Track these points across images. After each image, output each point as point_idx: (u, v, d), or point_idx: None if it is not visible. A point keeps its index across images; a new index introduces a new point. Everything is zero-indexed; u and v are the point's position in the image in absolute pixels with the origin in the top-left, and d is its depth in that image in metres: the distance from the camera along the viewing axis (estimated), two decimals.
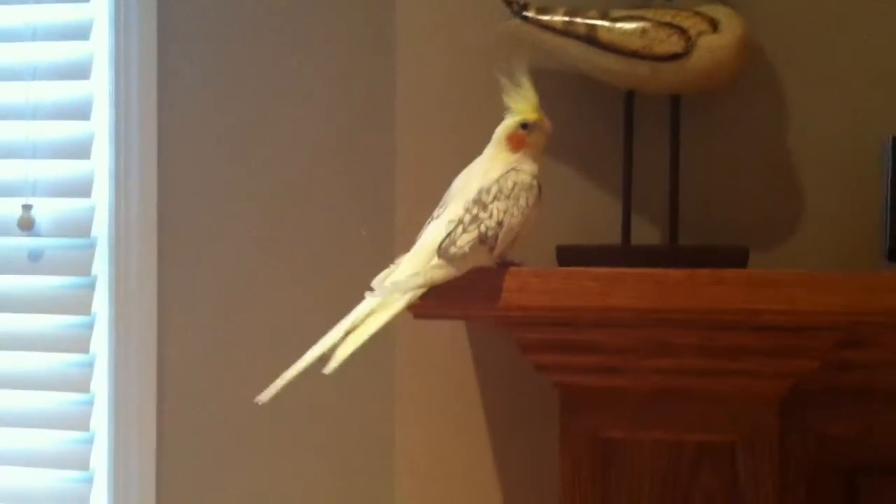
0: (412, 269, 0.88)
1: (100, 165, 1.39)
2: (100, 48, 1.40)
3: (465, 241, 0.87)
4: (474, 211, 0.89)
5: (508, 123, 0.95)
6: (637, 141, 1.08)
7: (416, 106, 1.17)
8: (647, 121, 1.09)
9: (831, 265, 1.07)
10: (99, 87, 1.39)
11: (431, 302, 0.88)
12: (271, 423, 1.33)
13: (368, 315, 0.87)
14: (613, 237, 1.08)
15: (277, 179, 1.34)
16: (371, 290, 0.88)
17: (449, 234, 0.88)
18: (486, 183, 0.91)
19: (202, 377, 1.36)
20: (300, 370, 0.86)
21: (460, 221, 0.88)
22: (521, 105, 0.94)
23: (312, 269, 1.33)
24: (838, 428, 1.00)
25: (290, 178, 1.34)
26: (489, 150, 0.95)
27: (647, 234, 1.12)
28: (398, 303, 0.86)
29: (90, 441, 1.40)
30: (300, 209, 1.33)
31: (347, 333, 0.86)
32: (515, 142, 0.93)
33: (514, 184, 0.91)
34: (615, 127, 1.09)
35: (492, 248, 0.88)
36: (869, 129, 1.07)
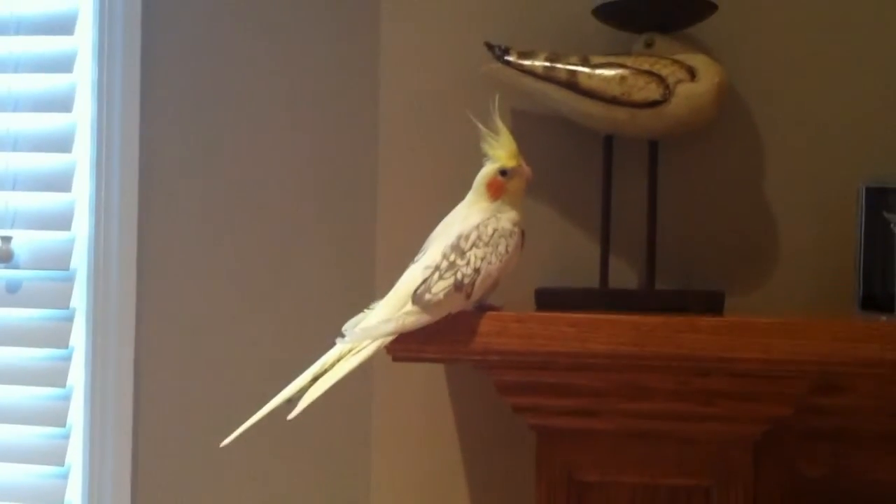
0: (385, 315, 0.88)
1: (80, 197, 1.39)
2: (82, 78, 1.40)
3: (440, 287, 0.88)
4: (452, 258, 0.89)
5: (488, 171, 0.95)
6: (615, 184, 1.09)
7: (398, 146, 1.18)
8: (626, 164, 1.11)
9: (806, 310, 1.08)
10: (81, 118, 1.40)
11: (411, 344, 0.89)
12: (248, 460, 1.33)
13: (338, 360, 0.87)
14: (592, 279, 1.09)
15: (259, 216, 1.35)
16: (342, 335, 0.88)
17: (425, 281, 0.88)
18: (465, 229, 0.91)
19: (178, 413, 1.36)
20: (264, 414, 0.87)
21: (437, 268, 0.89)
22: (500, 152, 0.95)
23: (291, 307, 1.34)
24: (814, 471, 1.01)
25: (271, 212, 1.35)
26: (470, 197, 0.96)
27: (625, 276, 1.13)
28: (367, 349, 0.87)
29: (65, 476, 1.39)
30: (281, 246, 1.34)
31: (315, 378, 0.86)
32: (495, 189, 0.94)
33: (494, 230, 0.92)
34: (594, 170, 1.11)
35: (468, 295, 0.89)
36: (844, 175, 1.09)
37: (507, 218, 0.93)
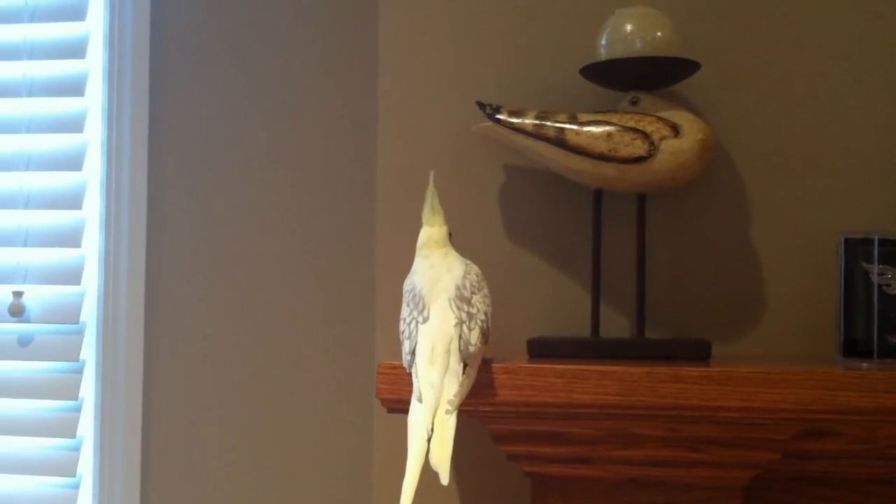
0: (448, 380, 0.90)
1: (90, 253, 1.43)
2: (92, 137, 1.45)
3: (475, 337, 0.91)
4: (465, 308, 0.93)
5: (444, 229, 1.00)
6: (605, 236, 1.12)
7: (395, 202, 1.22)
8: (615, 217, 1.14)
9: (791, 357, 1.10)
10: (91, 176, 1.44)
11: (404, 396, 0.92)
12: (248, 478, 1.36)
13: (433, 420, 0.89)
14: (583, 329, 1.12)
15: (263, 267, 1.39)
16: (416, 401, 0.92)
17: (461, 337, 0.91)
18: (457, 279, 0.95)
19: (186, 462, 1.39)
20: (411, 491, 0.89)
21: (461, 321, 0.92)
22: (438, 217, 1.00)
23: (297, 356, 1.38)
24: None
25: (275, 265, 1.39)
26: (438, 251, 0.99)
27: (615, 326, 1.16)
28: (452, 415, 0.89)
29: None
30: (287, 298, 1.38)
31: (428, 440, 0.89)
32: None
33: (477, 276, 0.96)
34: (584, 223, 1.14)
35: (487, 340, 0.93)
36: (825, 225, 1.12)
37: (475, 266, 0.98)
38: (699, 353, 1.04)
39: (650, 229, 1.12)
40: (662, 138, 1.04)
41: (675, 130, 1.05)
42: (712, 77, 1.13)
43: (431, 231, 0.99)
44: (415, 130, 1.21)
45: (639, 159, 1.04)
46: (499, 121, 1.10)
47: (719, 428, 0.94)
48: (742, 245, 1.15)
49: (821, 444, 1.00)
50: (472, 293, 0.94)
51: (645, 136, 1.05)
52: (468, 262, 0.97)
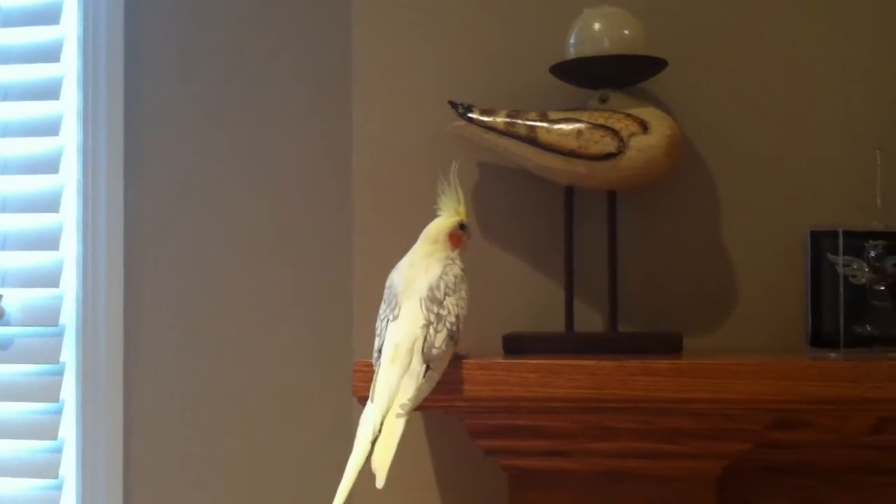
0: (405, 381, 0.91)
1: (68, 255, 1.44)
2: (69, 141, 1.45)
3: (441, 340, 0.93)
4: (435, 309, 0.94)
5: (449, 223, 1.01)
6: (577, 233, 1.13)
7: (371, 201, 1.22)
8: (587, 214, 1.15)
9: (762, 348, 1.12)
10: (68, 178, 1.45)
11: None
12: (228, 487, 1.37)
13: (383, 423, 0.90)
14: (558, 324, 1.14)
15: (241, 267, 1.40)
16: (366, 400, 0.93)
17: (426, 338, 0.92)
18: (432, 280, 0.96)
19: (168, 467, 1.40)
20: (344, 493, 0.89)
21: (429, 322, 0.93)
22: (460, 207, 1.01)
23: (277, 355, 1.39)
24: None
25: (253, 265, 1.40)
26: (425, 247, 1.00)
27: (589, 320, 1.17)
28: (402, 419, 0.90)
29: None
30: (265, 298, 1.39)
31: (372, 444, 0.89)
32: (456, 240, 1.00)
33: (455, 277, 0.97)
34: (557, 220, 1.14)
35: (456, 342, 0.95)
36: (793, 219, 1.13)
37: (458, 265, 0.99)
38: (671, 346, 1.05)
39: (621, 226, 1.13)
40: (631, 135, 1.05)
41: (644, 127, 1.06)
42: (680, 74, 1.14)
43: (436, 223, 1.01)
44: (389, 130, 1.22)
45: (608, 156, 1.05)
46: (471, 119, 1.11)
47: (692, 419, 0.95)
48: (712, 240, 1.16)
49: (792, 435, 1.01)
50: (446, 295, 0.95)
51: (614, 132, 1.06)
52: (452, 262, 0.98)
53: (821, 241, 1.04)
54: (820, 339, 1.04)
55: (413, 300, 0.95)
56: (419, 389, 0.91)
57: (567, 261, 1.12)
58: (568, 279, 1.12)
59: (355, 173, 1.23)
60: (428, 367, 0.92)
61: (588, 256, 1.15)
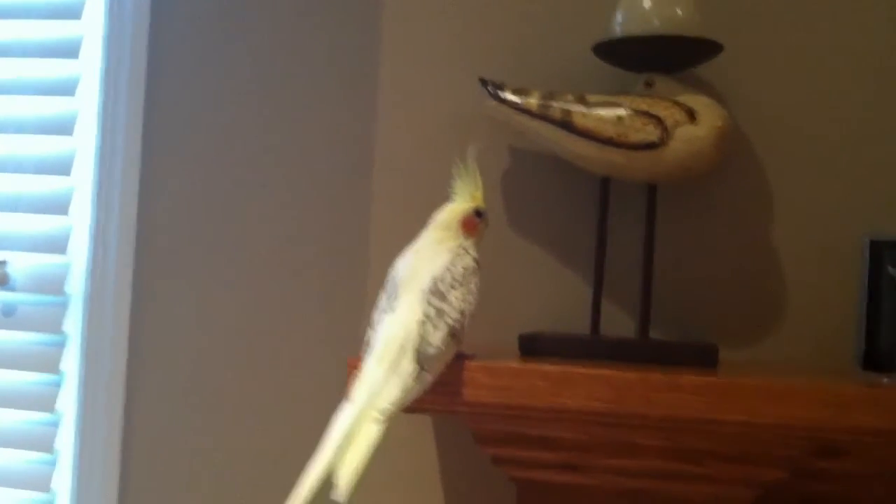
0: (391, 382, 0.82)
1: (78, 222, 1.38)
2: (84, 102, 1.39)
3: (438, 338, 0.83)
4: (436, 303, 0.85)
5: (464, 208, 0.92)
6: (611, 228, 1.05)
7: (393, 184, 1.16)
8: (623, 208, 1.07)
9: (804, 367, 1.03)
10: (81, 143, 1.39)
11: None
12: (234, 494, 1.30)
13: (353, 425, 0.80)
14: (583, 326, 1.05)
15: (258, 244, 1.32)
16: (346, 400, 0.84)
17: (422, 336, 0.83)
18: (437, 271, 0.87)
19: (169, 443, 1.33)
20: (304, 498, 0.79)
21: (427, 318, 0.84)
22: (477, 193, 0.92)
23: (289, 333, 1.31)
24: None
25: (270, 241, 1.32)
26: (434, 234, 0.92)
27: (617, 324, 1.09)
28: (380, 425, 0.81)
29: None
30: (278, 279, 1.32)
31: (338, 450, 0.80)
32: (470, 227, 0.91)
33: (464, 269, 0.88)
34: (589, 212, 1.07)
35: (458, 341, 0.85)
36: (849, 227, 1.04)
37: (470, 255, 0.90)
38: (705, 358, 0.96)
39: (660, 222, 1.05)
40: (676, 124, 0.97)
41: (691, 116, 0.98)
42: (734, 60, 1.06)
43: (449, 208, 0.92)
44: (415, 109, 1.15)
45: (650, 146, 0.97)
46: (502, 99, 1.03)
47: (721, 440, 0.86)
48: (758, 243, 1.08)
49: (834, 463, 0.94)
50: (451, 288, 0.86)
51: (657, 120, 0.97)
52: (464, 252, 0.89)
53: (881, 252, 0.95)
54: (873, 360, 0.95)
55: (414, 292, 0.86)
56: (405, 392, 0.82)
57: (598, 257, 1.04)
58: (597, 277, 1.05)
59: (378, 156, 1.16)
60: (421, 368, 0.83)
61: (621, 254, 1.08)
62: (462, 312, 0.85)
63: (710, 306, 1.08)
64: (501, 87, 1.03)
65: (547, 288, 1.11)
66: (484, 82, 1.04)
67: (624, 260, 1.08)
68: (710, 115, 0.98)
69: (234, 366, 1.32)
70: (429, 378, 0.83)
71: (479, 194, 0.92)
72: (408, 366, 0.82)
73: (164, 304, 1.35)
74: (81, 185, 1.38)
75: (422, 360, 0.83)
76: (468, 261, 0.89)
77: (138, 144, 1.36)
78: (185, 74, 1.35)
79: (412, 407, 0.84)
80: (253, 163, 1.33)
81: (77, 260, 1.38)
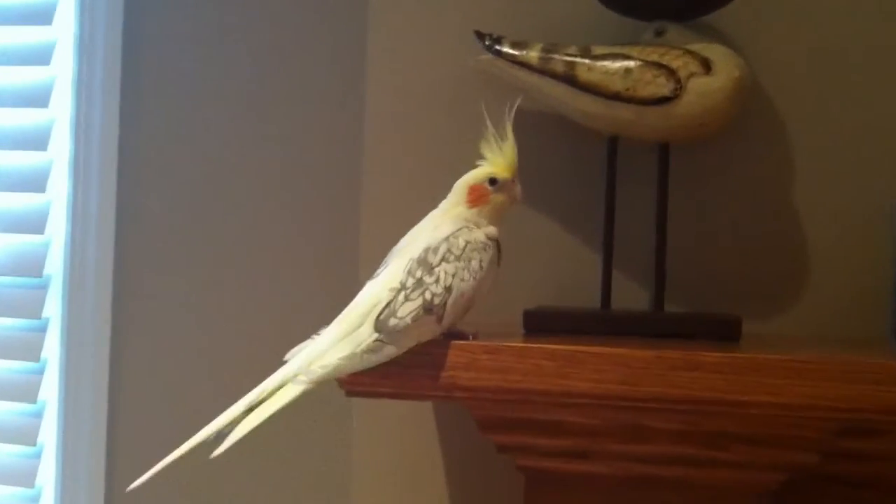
0: (341, 346, 0.76)
1: (56, 199, 1.30)
2: (60, 74, 1.31)
3: (407, 310, 0.76)
4: (418, 274, 0.77)
5: (476, 174, 0.83)
6: (620, 192, 0.97)
7: (383, 146, 1.08)
8: (633, 169, 0.99)
9: (834, 339, 0.95)
10: (59, 115, 1.31)
11: (362, 377, 0.77)
12: (222, 494, 1.23)
13: (278, 388, 0.76)
14: (593, 299, 0.98)
15: (241, 222, 1.25)
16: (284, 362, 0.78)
17: (389, 304, 0.76)
18: (433, 241, 0.79)
19: (155, 432, 1.26)
20: (188, 449, 0.75)
21: (402, 287, 0.77)
22: (499, 159, 0.83)
23: (273, 318, 1.24)
24: None
25: (253, 218, 1.25)
26: (445, 203, 0.84)
27: (630, 296, 1.01)
28: (301, 387, 0.75)
29: (36, 499, 1.30)
30: (262, 255, 1.24)
31: (250, 409, 0.75)
32: (476, 196, 0.82)
33: (467, 243, 0.79)
34: (596, 175, 0.99)
35: (440, 318, 0.77)
36: (878, 189, 0.97)
37: (482, 230, 0.81)
38: (727, 332, 0.89)
39: (674, 185, 0.96)
40: (690, 75, 0.89)
41: (706, 66, 0.90)
42: (754, 7, 0.98)
43: (466, 175, 0.83)
44: (406, 67, 1.07)
45: (662, 100, 0.90)
46: (500, 53, 0.96)
47: (745, 422, 0.78)
48: (781, 206, 1.00)
49: (868, 444, 0.86)
50: (444, 260, 0.78)
51: (670, 72, 0.90)
52: (473, 226, 0.81)
53: None
54: None
55: (403, 259, 0.79)
56: (350, 360, 0.75)
57: (607, 224, 0.97)
58: (607, 246, 0.97)
59: (368, 112, 1.08)
60: (381, 340, 0.75)
61: (633, 220, 1.00)
62: (447, 288, 0.77)
63: (730, 276, 1.00)
64: (499, 40, 0.96)
65: (553, 259, 1.04)
66: (480, 35, 0.97)
67: (635, 226, 1.00)
68: (726, 65, 0.90)
69: (222, 349, 1.25)
70: (391, 351, 0.76)
71: (502, 161, 0.82)
72: (365, 333, 0.76)
73: (148, 285, 1.27)
74: (59, 158, 1.31)
75: (382, 329, 0.75)
76: (476, 235, 0.80)
77: (116, 115, 1.29)
78: (161, 65, 1.28)
79: (410, 393, 0.77)
80: (238, 127, 1.25)
81: (56, 239, 1.30)
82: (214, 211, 1.26)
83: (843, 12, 0.99)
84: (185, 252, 1.27)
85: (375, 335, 0.75)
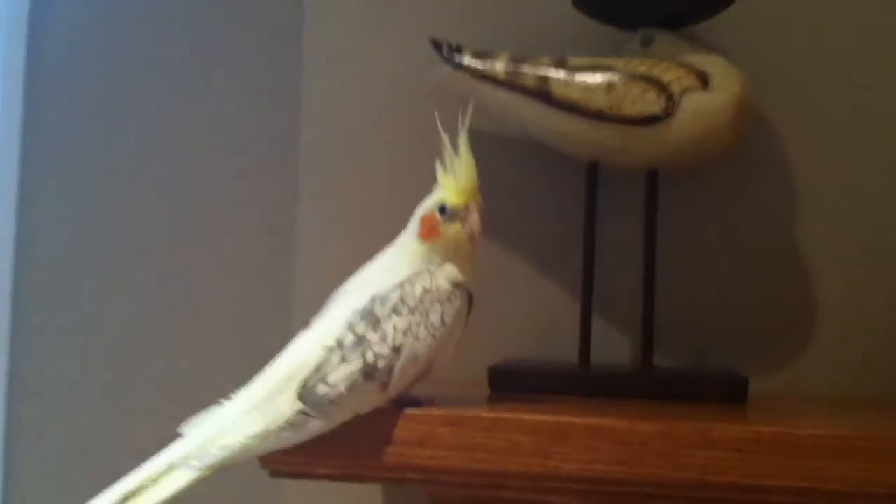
0: (253, 421, 0.61)
1: None
2: None
3: (341, 375, 0.61)
4: (360, 329, 0.62)
5: (428, 203, 0.69)
6: (602, 227, 0.85)
7: (320, 176, 0.95)
8: (616, 201, 0.88)
9: (862, 400, 0.82)
10: None
11: (293, 455, 0.62)
12: None
13: (167, 470, 0.60)
14: (569, 352, 0.84)
15: (150, 252, 1.08)
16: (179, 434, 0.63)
17: (319, 366, 0.61)
18: (383, 287, 0.64)
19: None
20: None
21: (339, 345, 0.62)
22: (449, 181, 0.68)
23: (197, 342, 1.06)
24: None
25: (174, 227, 1.08)
26: (402, 236, 0.69)
27: (612, 348, 0.88)
28: (193, 474, 0.60)
29: None
30: (183, 267, 1.07)
31: (126, 499, 0.60)
32: (427, 228, 0.67)
33: (425, 291, 0.64)
34: (574, 207, 0.87)
35: (384, 386, 0.62)
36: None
37: (444, 274, 0.66)
38: (731, 392, 0.75)
39: (663, 219, 0.84)
40: (685, 91, 0.78)
41: (703, 81, 0.78)
42: (751, 15, 0.87)
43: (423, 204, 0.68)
44: (347, 84, 0.94)
45: (651, 119, 0.77)
46: (460, 65, 0.83)
47: None
48: (787, 245, 0.88)
49: None
50: (393, 313, 0.63)
51: (660, 87, 0.78)
52: (434, 269, 0.65)
53: None
54: None
55: (344, 308, 0.64)
56: (262, 439, 0.60)
57: (586, 264, 0.83)
58: (586, 291, 0.83)
59: (304, 143, 0.95)
60: (305, 412, 0.61)
61: (615, 260, 0.89)
62: (397, 349, 0.62)
63: (728, 323, 0.88)
64: (459, 50, 0.83)
65: (524, 305, 0.91)
66: (437, 45, 0.84)
67: (619, 267, 0.88)
68: (727, 80, 0.78)
69: (127, 368, 1.07)
70: (318, 426, 0.61)
71: (452, 183, 0.67)
72: (285, 402, 0.61)
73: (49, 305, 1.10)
74: None
75: (308, 399, 0.60)
76: (439, 282, 0.65)
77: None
78: (69, 61, 1.12)
79: (352, 475, 0.62)
80: (151, 162, 1.09)
81: None
82: (126, 234, 1.09)
83: (853, 22, 0.88)
84: (88, 282, 1.09)
85: (298, 406, 0.60)
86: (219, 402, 0.63)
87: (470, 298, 0.67)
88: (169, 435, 0.63)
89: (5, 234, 1.12)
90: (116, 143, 1.09)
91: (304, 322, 0.66)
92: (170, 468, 0.60)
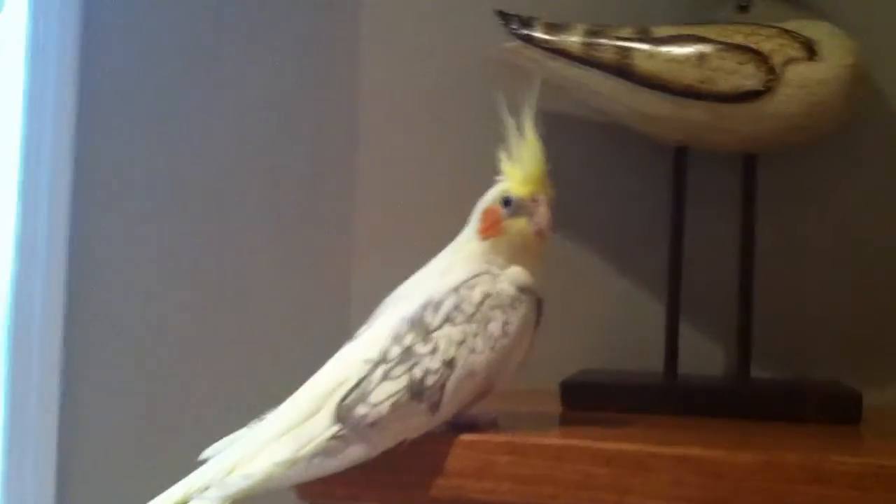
0: (279, 442, 0.54)
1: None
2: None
3: (384, 394, 0.53)
4: (408, 340, 0.55)
5: (491, 194, 0.61)
6: (691, 218, 0.79)
7: (379, 158, 0.92)
8: (708, 190, 0.83)
9: None
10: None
11: (334, 486, 0.55)
12: None
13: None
14: (654, 363, 0.78)
15: (218, 235, 1.05)
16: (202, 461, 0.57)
17: (360, 382, 0.54)
18: (437, 292, 0.57)
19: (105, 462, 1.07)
20: None
21: (383, 359, 0.55)
22: (514, 170, 0.60)
23: (251, 349, 1.04)
24: None
25: (229, 231, 1.05)
26: (463, 234, 0.62)
27: (703, 358, 0.82)
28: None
29: None
30: (239, 283, 1.04)
31: None
32: (488, 223, 0.60)
33: (485, 296, 0.56)
34: (659, 198, 0.82)
35: (434, 406, 0.54)
36: None
37: (508, 276, 0.58)
38: (843, 411, 0.68)
39: (762, 209, 0.78)
40: (788, 61, 0.73)
41: (810, 50, 0.74)
42: None
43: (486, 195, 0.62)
44: (405, 61, 0.91)
45: (749, 95, 0.72)
46: (531, 39, 0.78)
47: None
48: None
49: None
50: (444, 323, 0.55)
51: (760, 57, 0.73)
52: (496, 272, 0.58)
53: None
54: None
55: (391, 317, 0.57)
56: (289, 465, 0.53)
57: (673, 264, 0.78)
58: (673, 293, 0.78)
59: (362, 119, 0.92)
60: (343, 435, 0.54)
61: (707, 258, 0.82)
62: (450, 363, 0.54)
63: (838, 329, 0.82)
64: (529, 23, 0.79)
65: (600, 310, 0.86)
66: (504, 16, 0.80)
67: (711, 265, 0.83)
68: (837, 49, 0.73)
69: (188, 374, 1.06)
70: (358, 453, 0.54)
71: (518, 172, 0.60)
72: (320, 424, 0.54)
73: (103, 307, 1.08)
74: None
75: (347, 419, 0.54)
76: (502, 286, 0.57)
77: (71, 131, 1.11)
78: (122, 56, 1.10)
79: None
80: (210, 159, 1.06)
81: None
82: (183, 239, 1.07)
83: None
84: (146, 289, 1.08)
85: (336, 427, 0.53)
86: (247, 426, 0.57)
87: (539, 304, 0.59)
88: None
89: (58, 242, 1.12)
90: (169, 143, 1.08)
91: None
92: (184, 500, 0.53)
